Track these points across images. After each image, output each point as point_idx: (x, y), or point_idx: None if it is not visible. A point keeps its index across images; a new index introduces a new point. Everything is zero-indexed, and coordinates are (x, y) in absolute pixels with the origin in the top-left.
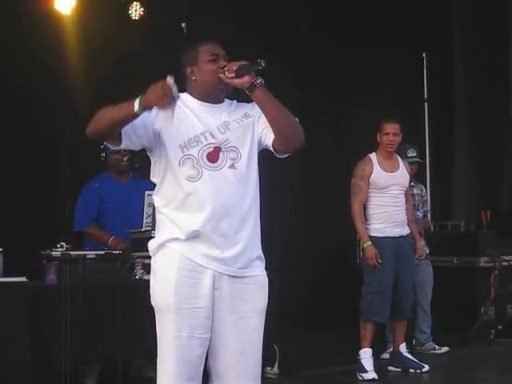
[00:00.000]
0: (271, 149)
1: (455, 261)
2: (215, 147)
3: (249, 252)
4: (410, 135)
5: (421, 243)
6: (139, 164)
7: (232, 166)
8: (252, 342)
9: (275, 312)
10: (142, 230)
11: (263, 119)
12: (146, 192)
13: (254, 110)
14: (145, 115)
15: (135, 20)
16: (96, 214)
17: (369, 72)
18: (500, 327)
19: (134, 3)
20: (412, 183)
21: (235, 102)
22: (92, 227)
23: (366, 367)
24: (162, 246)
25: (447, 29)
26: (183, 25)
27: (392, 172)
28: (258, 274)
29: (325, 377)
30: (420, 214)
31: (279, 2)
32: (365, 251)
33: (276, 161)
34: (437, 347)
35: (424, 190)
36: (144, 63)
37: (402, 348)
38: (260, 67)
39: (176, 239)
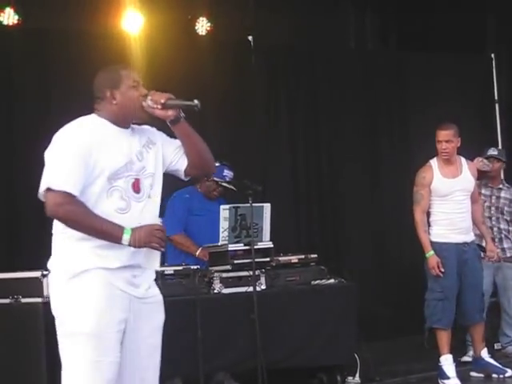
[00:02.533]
0: (181, 172)
1: None
2: (135, 178)
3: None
4: (481, 137)
5: (492, 244)
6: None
7: (149, 196)
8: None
9: (354, 321)
10: (219, 243)
11: (173, 145)
12: (222, 206)
13: (155, 135)
14: (83, 161)
15: (202, 35)
16: (184, 221)
17: (437, 74)
18: None
19: (201, 18)
20: (500, 185)
21: (135, 126)
22: (180, 235)
23: (447, 374)
24: (83, 272)
25: None
26: (250, 38)
27: (454, 177)
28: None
29: None
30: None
31: (344, 11)
32: (427, 261)
33: (340, 169)
34: None
35: None
36: (212, 77)
37: (484, 353)
38: (196, 108)
39: (99, 268)
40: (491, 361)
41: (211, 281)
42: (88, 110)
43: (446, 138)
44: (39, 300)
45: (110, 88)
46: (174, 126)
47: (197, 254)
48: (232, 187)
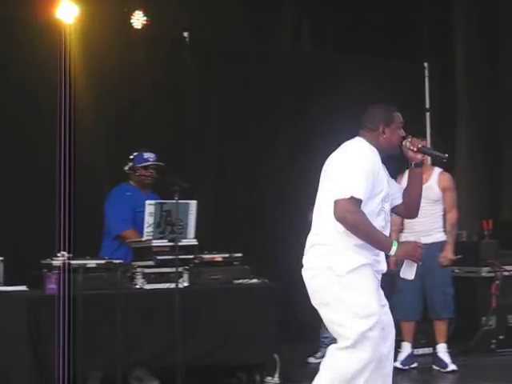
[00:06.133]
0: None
1: (457, 270)
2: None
3: None
4: None
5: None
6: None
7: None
8: None
9: (273, 321)
10: (143, 239)
11: (397, 185)
12: (147, 202)
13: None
14: (372, 178)
15: (137, 29)
16: (132, 217)
17: (370, 79)
18: (501, 337)
19: (137, 12)
20: None
21: None
22: (130, 230)
23: None
24: (360, 266)
25: (449, 38)
26: (185, 34)
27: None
28: None
29: None
30: None
31: (280, 11)
32: None
33: (269, 169)
34: None
35: None
36: (146, 71)
37: None
38: (444, 160)
39: (368, 264)
40: None
41: (134, 276)
42: (13, 100)
43: None
44: None
45: (383, 124)
46: (415, 169)
47: None
48: None
